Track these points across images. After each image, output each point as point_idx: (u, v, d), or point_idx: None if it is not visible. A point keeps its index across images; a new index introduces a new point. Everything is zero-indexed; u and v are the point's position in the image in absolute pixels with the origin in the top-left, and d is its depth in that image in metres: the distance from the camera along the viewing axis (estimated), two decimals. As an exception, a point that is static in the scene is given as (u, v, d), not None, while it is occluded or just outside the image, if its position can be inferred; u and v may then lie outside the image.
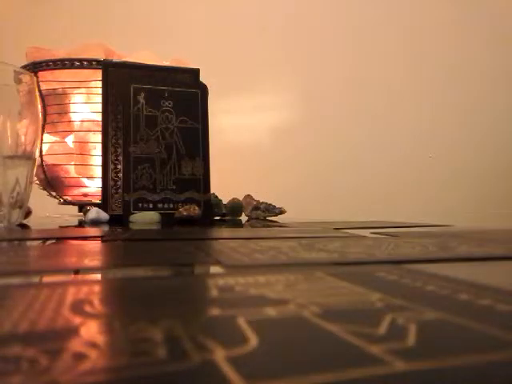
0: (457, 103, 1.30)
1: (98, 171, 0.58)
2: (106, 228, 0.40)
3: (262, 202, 0.57)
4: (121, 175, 0.50)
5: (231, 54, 1.19)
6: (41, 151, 0.59)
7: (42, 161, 0.60)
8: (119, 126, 0.51)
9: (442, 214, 1.20)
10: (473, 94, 1.31)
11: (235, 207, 0.56)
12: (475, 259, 0.19)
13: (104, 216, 0.48)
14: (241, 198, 0.58)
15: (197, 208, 0.49)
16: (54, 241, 0.27)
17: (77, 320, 0.09)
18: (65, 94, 0.61)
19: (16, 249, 0.24)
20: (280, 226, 0.42)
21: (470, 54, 1.32)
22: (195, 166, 0.53)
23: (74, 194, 0.64)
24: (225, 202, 0.57)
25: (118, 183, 0.50)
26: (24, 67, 0.58)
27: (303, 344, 0.08)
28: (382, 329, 0.08)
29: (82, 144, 0.61)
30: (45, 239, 0.27)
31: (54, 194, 0.64)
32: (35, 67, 0.59)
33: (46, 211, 0.67)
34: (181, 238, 0.29)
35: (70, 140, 0.62)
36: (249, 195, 0.58)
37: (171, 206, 0.51)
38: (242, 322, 0.09)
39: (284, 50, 1.24)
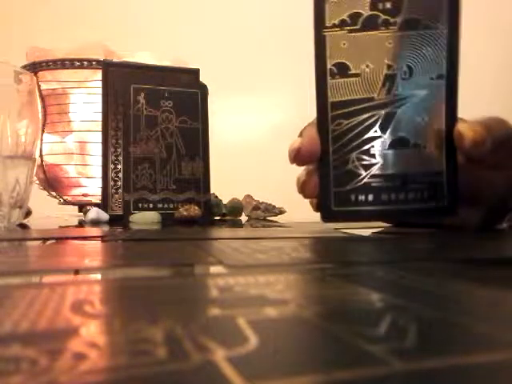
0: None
1: (98, 171, 0.58)
2: (106, 228, 0.40)
3: (262, 202, 0.57)
4: (121, 175, 0.50)
5: (231, 54, 1.19)
6: (41, 151, 0.59)
7: (41, 161, 0.60)
8: (119, 126, 0.51)
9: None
10: (474, 87, 1.31)
11: (235, 207, 0.56)
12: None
13: (104, 216, 0.48)
14: (241, 198, 0.58)
15: (197, 208, 0.49)
16: (53, 241, 0.27)
17: (77, 320, 0.09)
18: (65, 94, 0.61)
19: (16, 249, 0.24)
20: (280, 226, 0.42)
21: (471, 46, 1.32)
22: (195, 166, 0.53)
23: (74, 194, 0.64)
24: (225, 202, 0.57)
25: (118, 183, 0.50)
26: (24, 67, 0.58)
27: (303, 344, 0.08)
28: (382, 329, 0.08)
29: (82, 144, 0.61)
30: (45, 239, 0.27)
31: (54, 193, 0.64)
32: (35, 67, 0.59)
33: (46, 211, 0.67)
34: (181, 238, 0.29)
35: (70, 140, 0.62)
36: (249, 195, 0.58)
37: (171, 206, 0.51)
38: (241, 322, 0.09)
39: (284, 49, 1.24)
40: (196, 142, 0.53)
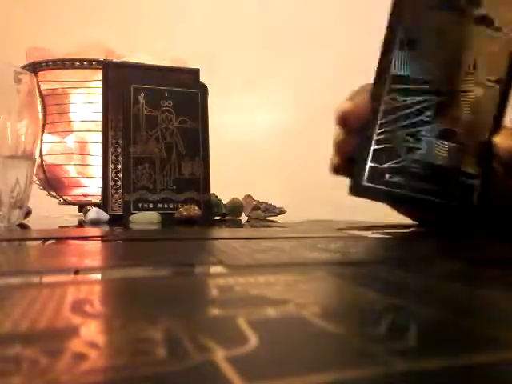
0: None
1: (98, 171, 0.58)
2: (106, 228, 0.40)
3: (262, 202, 0.57)
4: (121, 175, 0.50)
5: (231, 54, 1.19)
6: (41, 151, 0.59)
7: (41, 161, 0.60)
8: (119, 126, 0.51)
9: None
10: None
11: (235, 207, 0.56)
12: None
13: (104, 216, 0.48)
14: (241, 198, 0.58)
15: (197, 208, 0.49)
16: (53, 241, 0.27)
17: (77, 320, 0.09)
18: (65, 94, 0.61)
19: (16, 249, 0.24)
20: (280, 226, 0.42)
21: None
22: (195, 166, 0.53)
23: (74, 193, 0.64)
24: (225, 202, 0.57)
25: (118, 183, 0.50)
26: (24, 67, 0.58)
27: (303, 344, 0.08)
28: (383, 329, 0.08)
29: (82, 144, 0.61)
30: (45, 239, 0.27)
31: (53, 193, 0.64)
32: (35, 67, 0.59)
33: (46, 211, 0.67)
34: (181, 237, 0.29)
35: (70, 140, 0.62)
36: (249, 195, 0.58)
37: (171, 205, 0.51)
38: (241, 322, 0.09)
39: (284, 49, 1.24)
40: (196, 142, 0.53)
